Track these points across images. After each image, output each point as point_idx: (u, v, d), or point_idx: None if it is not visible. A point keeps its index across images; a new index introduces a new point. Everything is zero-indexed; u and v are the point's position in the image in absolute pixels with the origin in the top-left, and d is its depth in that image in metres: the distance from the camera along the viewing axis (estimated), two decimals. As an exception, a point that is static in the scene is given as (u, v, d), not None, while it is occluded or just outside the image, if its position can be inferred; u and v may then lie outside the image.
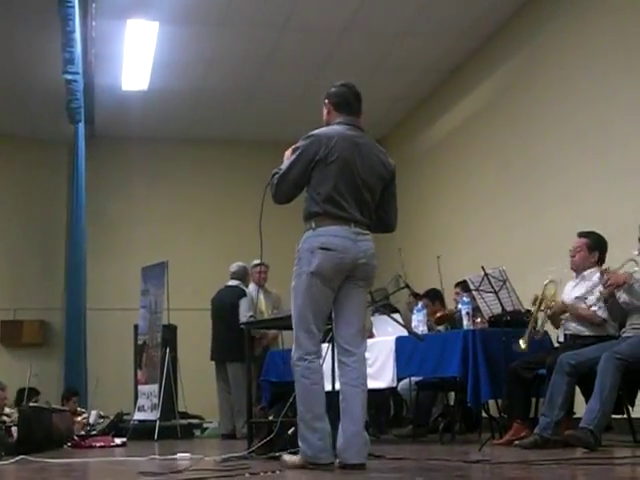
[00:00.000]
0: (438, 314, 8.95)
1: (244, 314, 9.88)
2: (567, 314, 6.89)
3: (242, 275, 10.44)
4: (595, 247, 6.96)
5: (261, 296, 10.42)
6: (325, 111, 5.38)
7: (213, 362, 10.51)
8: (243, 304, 10.03)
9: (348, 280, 5.09)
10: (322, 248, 4.97)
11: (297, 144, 5.21)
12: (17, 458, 6.39)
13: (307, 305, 5.03)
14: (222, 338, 10.21)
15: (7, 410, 8.57)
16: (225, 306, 10.17)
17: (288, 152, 5.33)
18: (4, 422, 7.62)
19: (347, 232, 5.04)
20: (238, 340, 9.17)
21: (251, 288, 10.38)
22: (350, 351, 5.06)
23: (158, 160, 14.15)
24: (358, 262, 5.06)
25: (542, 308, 6.89)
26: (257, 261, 10.44)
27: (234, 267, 10.46)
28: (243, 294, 10.14)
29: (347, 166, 5.10)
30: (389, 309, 9.66)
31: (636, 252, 6.23)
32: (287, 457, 5.28)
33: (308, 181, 5.13)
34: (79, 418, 10.02)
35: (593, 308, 6.71)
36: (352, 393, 4.99)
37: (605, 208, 8.34)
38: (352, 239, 5.05)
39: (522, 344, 6.78)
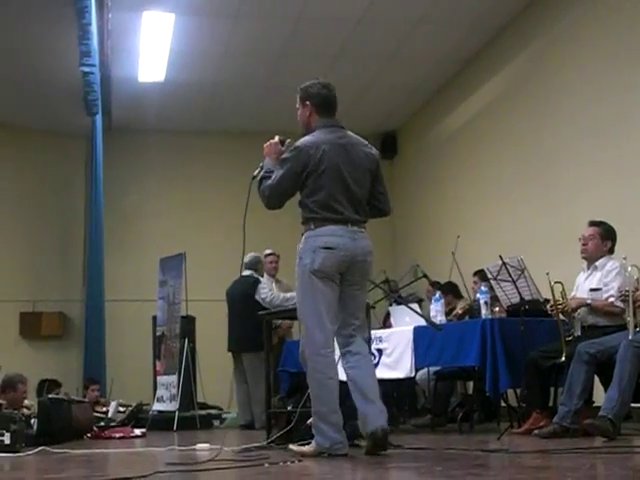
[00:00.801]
0: (460, 311, 8.92)
1: (266, 295, 9.86)
2: (583, 308, 6.85)
3: (255, 265, 10.42)
4: (607, 236, 6.93)
5: (273, 286, 10.45)
6: (305, 112, 5.47)
7: (230, 353, 10.52)
8: (260, 289, 10.00)
9: (345, 278, 5.27)
10: (325, 247, 5.15)
11: (284, 155, 5.33)
12: (37, 449, 6.43)
13: (318, 301, 5.17)
14: (237, 329, 10.20)
15: (26, 402, 8.61)
16: (239, 297, 10.16)
17: (267, 147, 5.48)
18: (23, 414, 7.65)
19: (345, 231, 5.22)
20: (253, 330, 9.21)
21: (264, 278, 10.39)
22: (351, 343, 5.27)
23: (175, 151, 14.17)
24: (357, 259, 5.24)
25: (560, 309, 6.85)
26: (269, 251, 10.50)
27: (247, 257, 10.44)
28: (257, 282, 10.14)
29: (338, 172, 5.26)
30: (412, 299, 9.66)
31: None
32: (295, 448, 5.33)
33: (302, 187, 5.28)
34: (103, 409, 10.08)
35: (611, 299, 6.69)
36: (358, 373, 5.18)
37: (621, 199, 8.31)
38: (350, 237, 5.22)
39: None
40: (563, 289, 6.89)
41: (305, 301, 5.21)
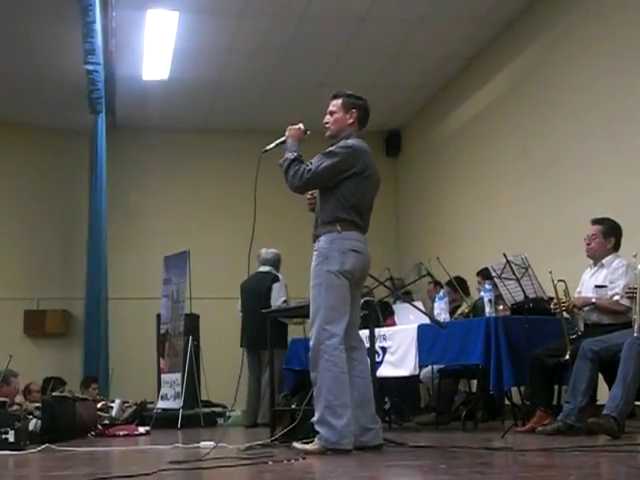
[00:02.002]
0: (466, 310, 8.90)
1: (278, 299, 9.85)
2: (587, 307, 6.84)
3: (275, 262, 10.38)
4: (610, 233, 6.92)
5: None
6: (347, 118, 5.63)
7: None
8: (276, 289, 10.00)
9: (356, 282, 5.53)
10: (354, 250, 5.39)
11: (333, 149, 5.51)
12: (41, 447, 6.45)
13: (342, 299, 5.37)
14: (257, 325, 9.97)
15: (18, 399, 8.58)
16: (260, 292, 10.03)
17: (293, 129, 5.68)
18: (28, 411, 7.66)
19: (363, 239, 5.50)
20: (276, 327, 9.23)
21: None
22: (356, 347, 5.54)
23: (179, 149, 14.17)
24: (366, 266, 5.55)
25: (564, 307, 6.84)
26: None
27: (269, 254, 10.36)
28: (276, 279, 10.12)
29: (375, 183, 5.61)
30: (408, 298, 9.65)
31: None
32: (299, 445, 5.35)
33: (336, 186, 5.46)
34: (99, 405, 10.08)
35: (616, 297, 6.67)
36: (363, 384, 5.49)
37: (626, 197, 8.29)
38: (366, 245, 5.51)
39: None
40: (566, 287, 6.88)
41: (328, 298, 5.33)
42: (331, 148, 5.51)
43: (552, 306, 6.98)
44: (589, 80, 9.11)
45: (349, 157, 5.44)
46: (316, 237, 5.50)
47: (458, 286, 9.45)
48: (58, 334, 13.39)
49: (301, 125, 5.68)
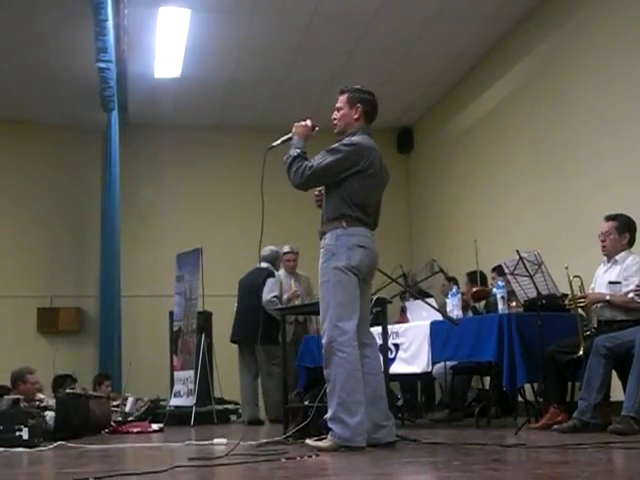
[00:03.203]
0: (474, 289, 8.93)
1: (268, 293, 9.84)
2: (601, 303, 6.81)
3: (272, 259, 10.37)
4: (625, 228, 6.87)
5: (292, 282, 10.36)
6: (352, 113, 5.57)
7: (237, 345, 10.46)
8: (268, 284, 9.98)
9: (364, 278, 5.50)
10: (360, 246, 5.35)
11: (337, 146, 5.47)
12: (55, 444, 6.47)
13: (352, 295, 5.34)
14: (250, 320, 9.94)
15: (40, 396, 8.60)
16: (254, 287, 10.07)
17: (299, 126, 5.63)
18: (43, 407, 7.68)
19: (370, 234, 5.47)
20: (269, 322, 9.24)
21: (282, 274, 10.35)
22: (367, 344, 5.51)
23: (191, 147, 14.19)
24: (375, 261, 5.52)
25: (578, 304, 6.82)
26: (287, 249, 10.44)
27: (266, 251, 10.37)
28: (271, 275, 10.11)
29: (379, 180, 5.55)
30: (422, 295, 9.64)
31: None
32: (312, 442, 5.34)
33: (340, 183, 5.42)
34: (114, 403, 10.11)
35: (630, 295, 6.64)
36: (376, 381, 5.47)
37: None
38: (373, 241, 5.47)
39: None
40: (581, 283, 6.86)
41: (337, 295, 5.29)
42: (335, 145, 5.46)
43: (567, 302, 6.96)
44: (602, 77, 9.08)
45: (352, 155, 5.39)
46: (322, 234, 5.47)
47: (475, 279, 9.43)
48: (71, 332, 13.42)
49: (309, 122, 5.63)
